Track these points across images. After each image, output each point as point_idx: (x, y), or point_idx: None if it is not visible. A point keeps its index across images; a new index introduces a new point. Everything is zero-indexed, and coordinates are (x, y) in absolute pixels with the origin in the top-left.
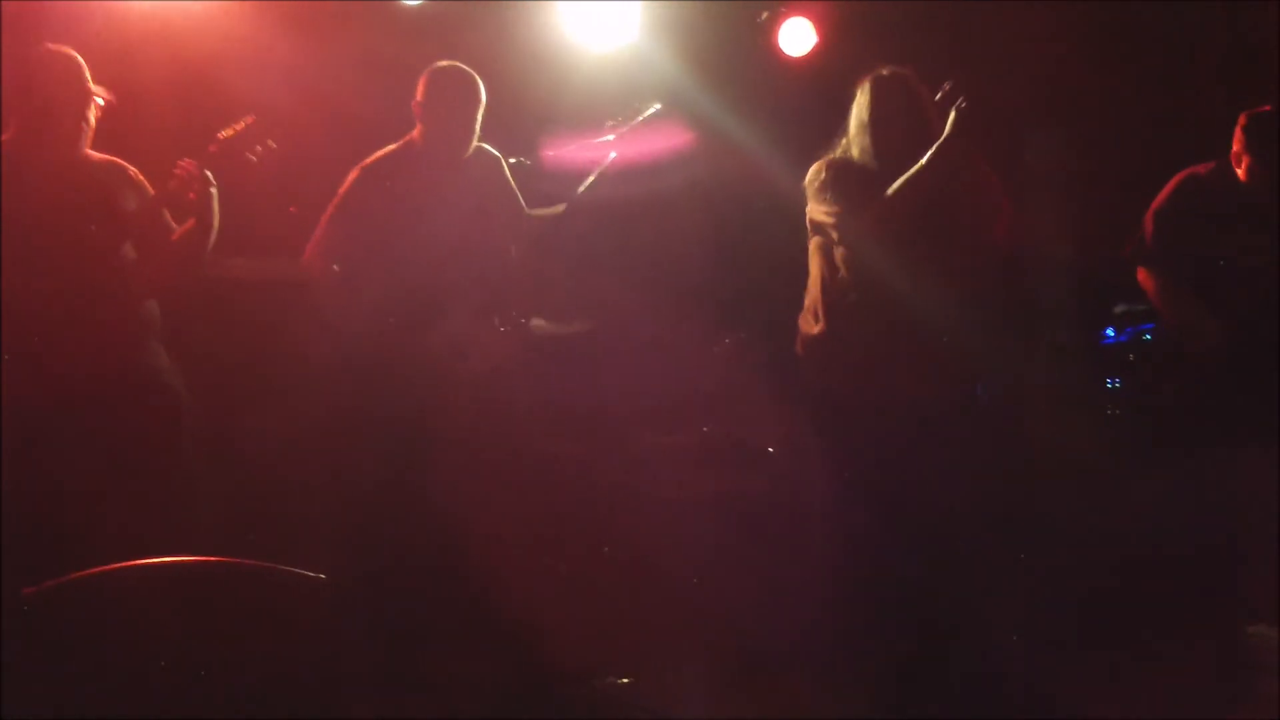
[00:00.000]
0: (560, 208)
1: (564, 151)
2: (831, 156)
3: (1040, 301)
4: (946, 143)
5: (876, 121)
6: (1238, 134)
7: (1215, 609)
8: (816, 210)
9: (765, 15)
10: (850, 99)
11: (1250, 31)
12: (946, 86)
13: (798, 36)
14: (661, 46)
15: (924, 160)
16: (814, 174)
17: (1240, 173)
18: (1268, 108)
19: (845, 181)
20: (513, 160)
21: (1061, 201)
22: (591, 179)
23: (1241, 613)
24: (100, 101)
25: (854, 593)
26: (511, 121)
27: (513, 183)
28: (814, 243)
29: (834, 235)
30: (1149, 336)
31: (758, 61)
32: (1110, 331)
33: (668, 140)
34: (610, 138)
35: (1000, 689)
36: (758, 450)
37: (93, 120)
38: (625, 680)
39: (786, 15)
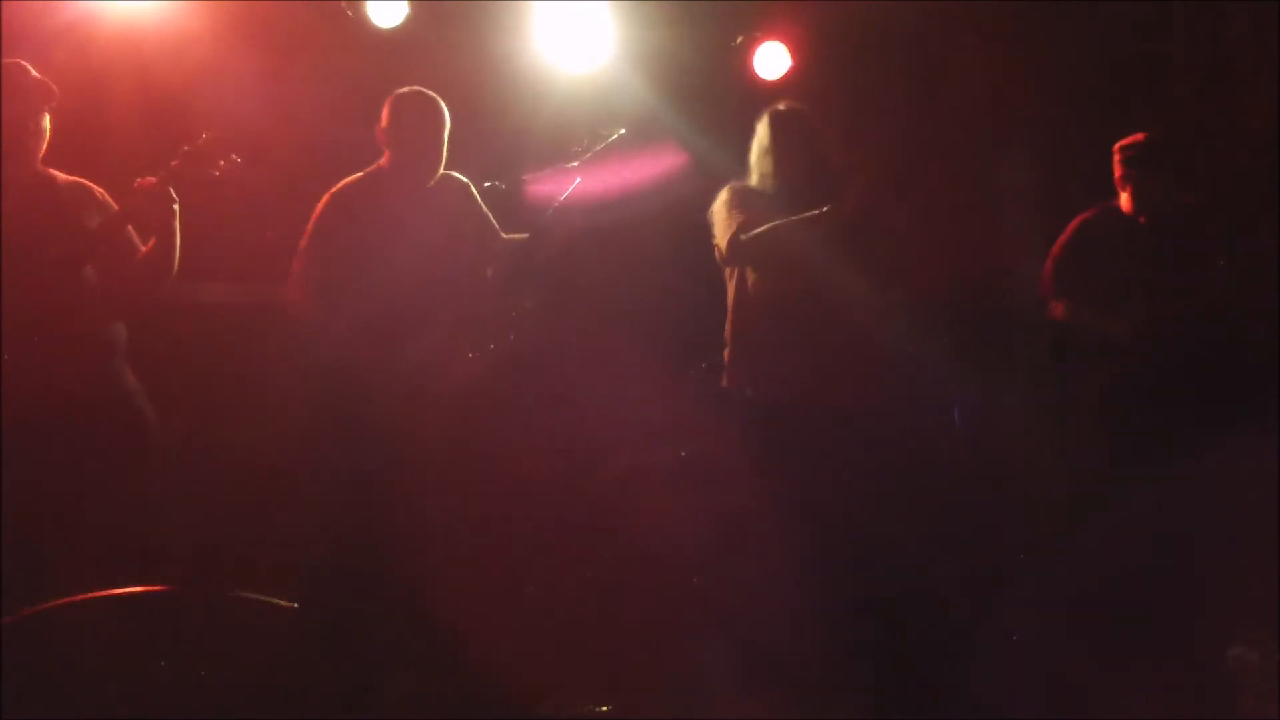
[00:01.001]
0: (526, 235)
1: (535, 178)
2: (733, 184)
3: (1021, 319)
4: (834, 210)
5: (775, 151)
6: (1116, 165)
7: (1196, 630)
8: (718, 233)
9: (740, 39)
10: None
11: (1213, 47)
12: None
13: (773, 60)
14: (637, 70)
15: (811, 215)
16: (717, 201)
17: (1124, 203)
18: (1141, 136)
19: (742, 205)
20: (487, 184)
21: (1038, 219)
22: (555, 206)
23: (1223, 633)
24: (50, 99)
25: (827, 603)
26: (485, 145)
27: (484, 206)
28: (727, 271)
29: (722, 253)
30: None
31: (733, 85)
32: None
33: (639, 165)
34: (575, 164)
35: (985, 696)
36: (734, 470)
37: (45, 133)
38: (606, 708)
39: (761, 39)
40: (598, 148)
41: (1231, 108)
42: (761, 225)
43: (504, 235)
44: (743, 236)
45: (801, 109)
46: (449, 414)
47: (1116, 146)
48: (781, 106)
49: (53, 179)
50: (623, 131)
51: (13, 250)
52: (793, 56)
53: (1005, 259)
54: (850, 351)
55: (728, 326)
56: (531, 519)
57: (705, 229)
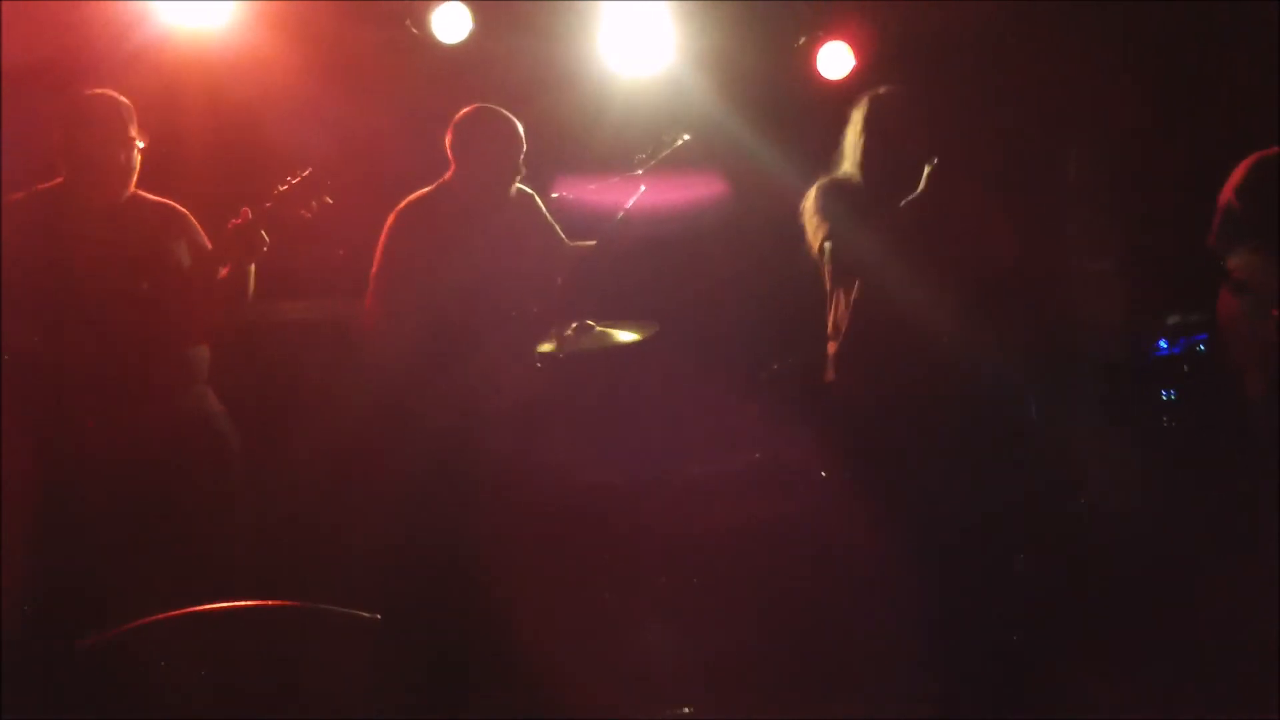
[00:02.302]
0: (593, 243)
1: (600, 187)
2: (821, 181)
3: (1090, 316)
4: (914, 200)
5: (871, 138)
6: None
7: (1264, 625)
8: (808, 235)
9: (803, 39)
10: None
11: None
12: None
13: (836, 60)
14: (698, 72)
15: (898, 210)
16: (807, 200)
17: None
18: None
19: (835, 203)
20: (554, 195)
21: (1107, 212)
22: (621, 214)
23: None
24: (140, 144)
25: (903, 613)
26: (548, 157)
27: (549, 217)
28: (824, 267)
29: (824, 260)
30: (1203, 347)
31: (796, 86)
32: (1164, 343)
33: (703, 174)
34: (640, 172)
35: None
36: (809, 476)
37: (135, 164)
38: (686, 710)
39: (824, 39)
40: (662, 154)
41: None
42: (851, 226)
43: (570, 243)
44: (829, 246)
45: (903, 91)
46: (516, 426)
47: None
48: (882, 90)
49: (143, 204)
50: (687, 137)
51: (102, 279)
52: (856, 57)
53: (1070, 261)
54: (940, 354)
55: (830, 320)
56: (597, 531)
57: (767, 232)
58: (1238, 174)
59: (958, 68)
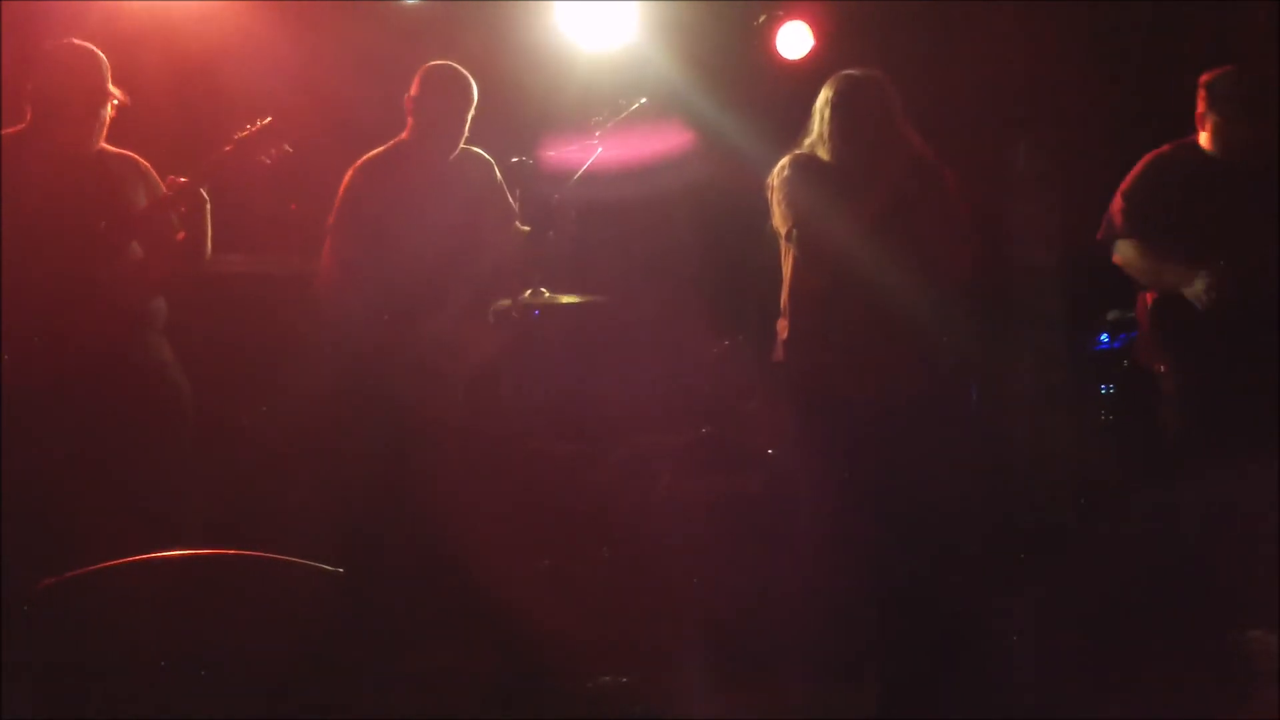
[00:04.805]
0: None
1: (558, 152)
2: (792, 157)
3: (1034, 308)
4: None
5: (843, 121)
6: (1200, 97)
7: (1212, 612)
8: (775, 214)
9: (763, 18)
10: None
11: (1236, 31)
12: None
13: (795, 40)
14: (659, 47)
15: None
16: (773, 176)
17: (1205, 139)
18: (1229, 67)
19: (807, 185)
20: (514, 160)
21: (1053, 207)
22: (576, 178)
23: (1238, 617)
24: (116, 100)
25: (850, 593)
26: (509, 121)
27: (505, 188)
28: (784, 245)
29: (789, 241)
30: None
31: (755, 64)
32: (1104, 337)
33: (659, 140)
34: (596, 135)
35: (997, 689)
36: (755, 451)
37: (106, 118)
38: (623, 680)
39: (784, 18)
40: (618, 118)
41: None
42: (819, 207)
43: (518, 224)
44: (797, 232)
45: (876, 75)
46: (469, 386)
47: (1203, 75)
48: (855, 72)
49: (103, 152)
50: (644, 101)
51: (60, 223)
52: (815, 36)
53: (1015, 247)
54: (897, 340)
55: (784, 296)
56: (553, 495)
57: (723, 209)
58: (1133, 172)
59: (914, 50)
